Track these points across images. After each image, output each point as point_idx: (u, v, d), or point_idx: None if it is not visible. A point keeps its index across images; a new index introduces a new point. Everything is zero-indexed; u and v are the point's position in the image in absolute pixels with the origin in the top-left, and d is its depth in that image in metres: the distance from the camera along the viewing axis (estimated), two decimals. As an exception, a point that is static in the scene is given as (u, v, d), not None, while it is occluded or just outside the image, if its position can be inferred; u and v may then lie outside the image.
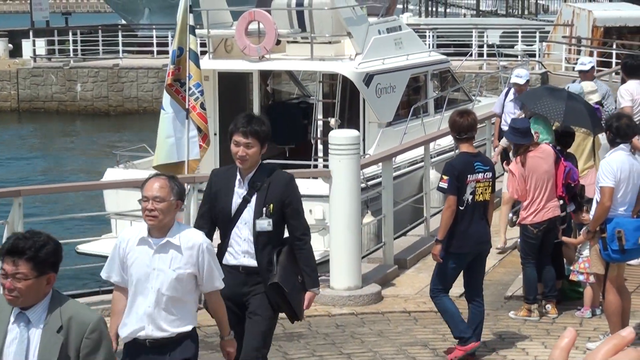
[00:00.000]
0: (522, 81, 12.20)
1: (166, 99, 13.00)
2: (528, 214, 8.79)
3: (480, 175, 7.77)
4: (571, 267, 9.09)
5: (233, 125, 6.11)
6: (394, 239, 10.77)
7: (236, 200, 6.10)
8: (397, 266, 10.41)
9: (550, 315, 8.97)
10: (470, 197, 7.73)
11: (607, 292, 7.95)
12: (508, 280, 10.08)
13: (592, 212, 8.04)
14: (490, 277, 10.30)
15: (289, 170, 13.75)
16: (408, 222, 12.58)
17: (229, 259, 6.14)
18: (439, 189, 7.96)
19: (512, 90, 12.56)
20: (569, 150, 9.54)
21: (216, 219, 6.17)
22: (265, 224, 6.03)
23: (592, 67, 12.10)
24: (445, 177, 7.75)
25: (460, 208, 7.71)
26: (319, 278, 10.06)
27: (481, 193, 7.78)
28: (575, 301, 9.29)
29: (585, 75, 12.00)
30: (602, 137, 9.87)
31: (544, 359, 8.01)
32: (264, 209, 6.03)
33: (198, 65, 12.88)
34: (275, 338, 8.58)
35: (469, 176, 7.71)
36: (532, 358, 8.06)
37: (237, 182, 6.14)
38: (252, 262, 6.09)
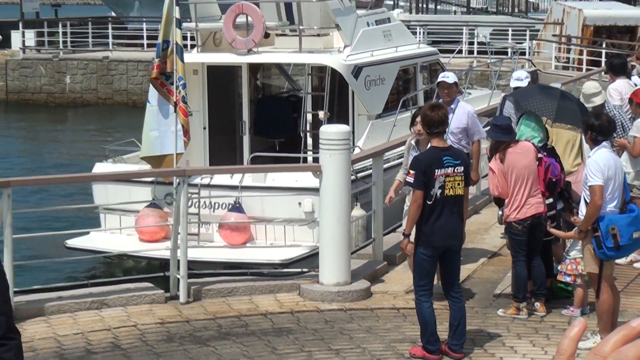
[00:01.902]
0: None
1: (152, 92, 13.03)
2: (511, 210, 8.79)
3: (450, 170, 7.74)
4: (558, 268, 9.10)
5: None
6: (384, 235, 10.76)
7: None
8: (386, 262, 10.40)
9: (538, 313, 8.97)
10: (439, 192, 7.70)
11: (601, 291, 7.95)
12: (497, 278, 10.08)
13: (582, 212, 8.04)
14: (480, 275, 10.30)
15: (279, 165, 13.80)
16: (397, 218, 12.58)
17: None
18: (406, 183, 8.07)
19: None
20: (554, 147, 9.53)
21: None
22: None
23: (529, 82, 11.22)
24: (411, 172, 7.79)
25: (428, 202, 7.71)
26: (309, 273, 10.11)
27: (452, 187, 7.75)
28: (564, 300, 9.30)
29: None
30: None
31: (532, 357, 8.01)
32: None
33: (182, 59, 12.90)
34: (264, 333, 8.58)
35: (436, 170, 7.70)
36: (520, 356, 8.06)
37: None
38: None
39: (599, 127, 7.94)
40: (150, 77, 13.21)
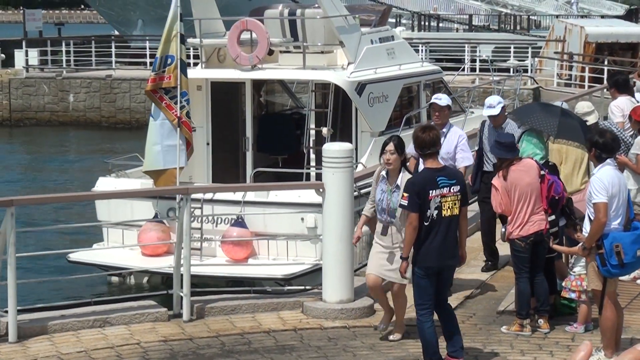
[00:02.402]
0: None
1: (154, 106, 13.10)
2: (514, 228, 8.80)
3: (445, 190, 7.72)
4: (563, 284, 9.09)
5: None
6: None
7: None
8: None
9: (542, 330, 8.95)
10: (435, 213, 7.68)
11: (605, 307, 7.94)
12: (500, 295, 10.07)
13: (586, 229, 8.04)
14: (483, 292, 10.29)
15: (281, 183, 13.81)
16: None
17: None
18: (400, 206, 7.96)
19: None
20: (556, 164, 9.54)
21: None
22: None
23: (503, 108, 10.57)
24: (405, 195, 7.77)
25: (425, 224, 7.70)
26: (312, 290, 10.10)
27: (449, 208, 7.73)
28: (567, 316, 9.29)
29: (496, 119, 10.58)
30: None
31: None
32: None
33: (185, 74, 12.98)
34: (267, 350, 8.58)
35: (430, 192, 7.67)
36: (524, 373, 8.04)
37: None
38: None
39: (603, 144, 7.95)
40: (145, 90, 13.29)
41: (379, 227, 8.60)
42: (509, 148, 8.84)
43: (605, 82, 15.08)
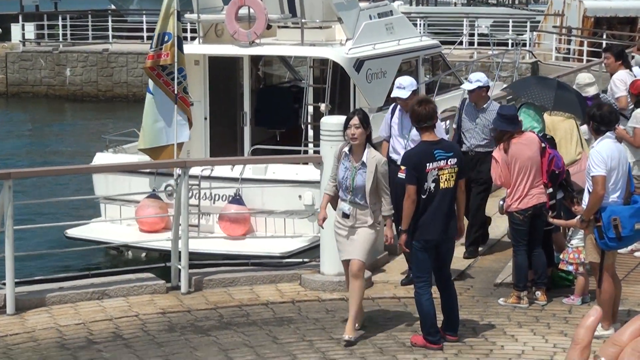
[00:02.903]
0: (405, 94, 9.48)
1: (151, 82, 13.08)
2: (513, 200, 8.81)
3: (442, 163, 7.76)
4: (560, 256, 9.11)
5: None
6: (384, 225, 10.74)
7: None
8: (387, 252, 10.40)
9: (539, 302, 8.98)
10: (433, 185, 7.72)
11: (603, 280, 7.96)
12: (498, 267, 10.09)
13: (585, 201, 8.05)
14: (480, 264, 10.31)
15: (280, 156, 13.81)
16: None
17: None
18: (398, 179, 7.96)
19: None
20: (555, 137, 9.53)
21: None
22: None
23: (479, 87, 10.00)
24: (403, 168, 7.82)
25: (423, 197, 7.73)
26: (310, 263, 10.11)
27: (446, 180, 7.77)
28: (564, 289, 9.31)
29: (471, 96, 10.19)
30: (583, 129, 9.88)
31: (534, 345, 8.03)
32: None
33: (182, 51, 12.95)
34: (265, 322, 8.60)
35: (428, 165, 7.71)
36: (521, 344, 8.07)
37: None
38: None
39: (600, 117, 7.94)
40: (144, 67, 13.26)
41: (342, 206, 8.10)
42: (510, 120, 8.82)
43: (603, 56, 15.08)
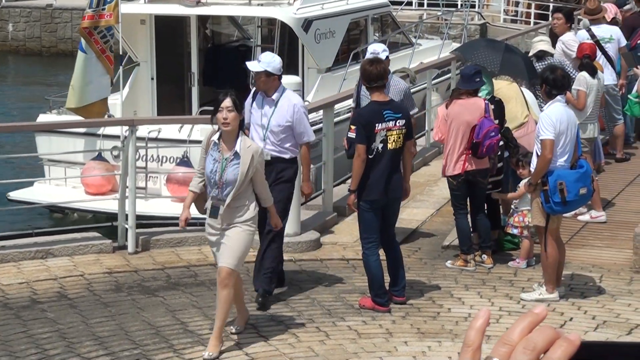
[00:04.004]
0: (257, 67, 8.16)
1: (86, 43, 12.76)
2: (448, 165, 8.80)
3: (391, 124, 7.79)
4: (506, 220, 9.17)
5: None
6: (334, 186, 10.75)
7: None
8: (336, 214, 10.41)
9: (485, 265, 9.05)
10: (380, 146, 7.76)
11: (547, 244, 8.04)
12: (445, 230, 10.14)
13: (533, 165, 8.10)
14: (428, 227, 10.36)
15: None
16: (348, 169, 12.58)
17: None
18: (348, 139, 7.97)
19: (260, 92, 8.51)
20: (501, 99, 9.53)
21: None
22: None
23: (388, 58, 8.82)
24: (352, 127, 7.81)
25: (370, 157, 7.76)
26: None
27: (394, 141, 7.81)
28: (510, 251, 9.41)
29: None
30: (526, 92, 9.94)
31: (480, 308, 8.09)
32: None
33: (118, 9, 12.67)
34: (213, 283, 8.54)
35: (377, 125, 7.73)
36: (467, 307, 8.14)
37: None
38: None
39: (553, 80, 7.99)
40: (81, 29, 12.91)
41: (209, 205, 7.04)
42: (464, 78, 8.82)
43: (550, 18, 15.12)
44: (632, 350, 1.18)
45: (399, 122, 7.81)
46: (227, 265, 6.89)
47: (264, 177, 7.15)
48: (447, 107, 8.83)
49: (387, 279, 8.09)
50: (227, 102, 6.83)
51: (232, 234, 6.93)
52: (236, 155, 6.87)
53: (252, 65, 8.27)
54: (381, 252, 8.05)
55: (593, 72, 10.91)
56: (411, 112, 8.52)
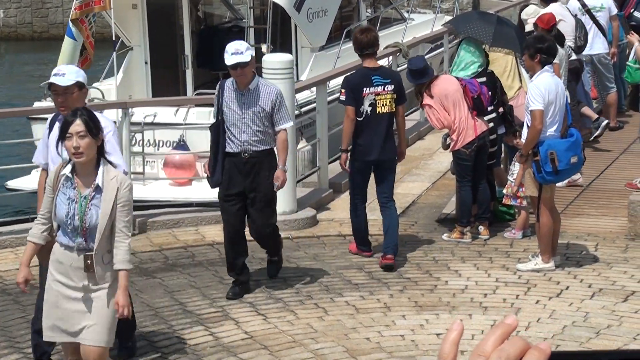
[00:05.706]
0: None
1: (74, 29, 12.72)
2: (457, 137, 8.84)
3: (380, 88, 8.26)
4: (504, 191, 9.21)
5: None
6: (329, 163, 10.78)
7: None
8: (331, 190, 10.45)
9: (482, 236, 9.10)
10: (369, 109, 8.24)
11: (541, 214, 8.09)
12: (441, 202, 10.18)
13: (524, 136, 8.13)
14: (424, 200, 10.40)
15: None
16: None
17: None
18: (339, 101, 8.45)
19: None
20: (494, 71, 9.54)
21: None
22: None
23: (253, 57, 7.67)
24: (342, 90, 8.33)
25: (359, 119, 8.21)
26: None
27: (383, 105, 8.27)
28: (506, 222, 9.45)
29: (245, 72, 7.34)
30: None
31: (477, 280, 8.15)
32: None
33: None
34: (211, 263, 8.61)
35: (365, 89, 8.23)
36: (464, 279, 8.19)
37: None
38: None
39: (547, 48, 8.05)
40: (72, 19, 12.87)
41: (65, 259, 5.34)
42: (423, 72, 8.83)
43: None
44: (601, 357, 1.21)
45: (387, 87, 8.27)
46: (98, 344, 5.37)
47: (127, 225, 5.33)
48: (431, 97, 8.82)
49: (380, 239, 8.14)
50: (78, 126, 5.20)
51: (101, 299, 5.34)
52: (98, 189, 5.29)
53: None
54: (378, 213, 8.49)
55: (561, 42, 10.92)
56: (284, 126, 7.69)
